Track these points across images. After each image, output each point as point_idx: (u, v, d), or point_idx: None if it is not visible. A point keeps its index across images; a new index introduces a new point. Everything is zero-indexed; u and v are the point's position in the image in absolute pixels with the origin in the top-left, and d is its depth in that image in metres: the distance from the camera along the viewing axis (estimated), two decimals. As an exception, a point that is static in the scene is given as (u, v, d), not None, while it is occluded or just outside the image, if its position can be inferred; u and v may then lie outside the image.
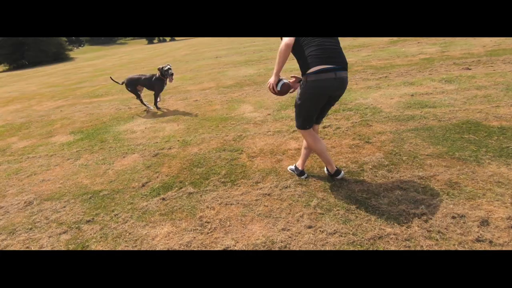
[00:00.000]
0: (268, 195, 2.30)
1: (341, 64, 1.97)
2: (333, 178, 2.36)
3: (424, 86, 4.47)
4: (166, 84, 5.09)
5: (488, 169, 2.24)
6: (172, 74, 4.87)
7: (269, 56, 10.46)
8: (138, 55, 23.09)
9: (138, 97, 5.28)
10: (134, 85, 5.15)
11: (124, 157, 3.41)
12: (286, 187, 2.37)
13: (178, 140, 3.67)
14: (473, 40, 7.82)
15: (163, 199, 2.44)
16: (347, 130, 3.30)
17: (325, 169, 2.43)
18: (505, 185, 2.03)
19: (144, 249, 1.90)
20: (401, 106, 3.77)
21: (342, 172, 2.35)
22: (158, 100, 5.21)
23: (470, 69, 5.10)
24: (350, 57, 7.72)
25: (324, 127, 3.47)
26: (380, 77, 5.33)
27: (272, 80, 2.10)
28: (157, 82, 5.00)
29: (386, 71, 5.70)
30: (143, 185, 2.71)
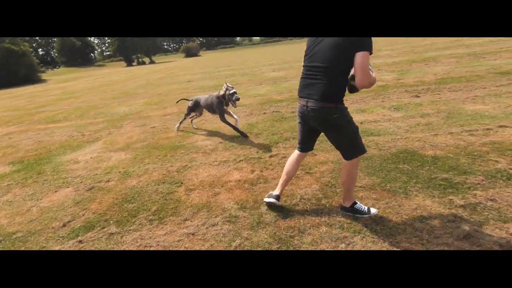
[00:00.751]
0: (193, 234, 2.16)
1: (313, 95, 1.90)
2: (268, 204, 2.33)
3: (374, 114, 4.60)
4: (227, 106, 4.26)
5: (414, 201, 2.24)
6: (237, 99, 3.97)
7: (239, 81, 10.61)
8: (113, 77, 22.83)
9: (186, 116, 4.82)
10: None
11: (56, 191, 3.17)
12: (214, 225, 2.24)
13: (119, 172, 3.49)
14: (427, 68, 8.32)
15: (80, 241, 2.23)
16: (291, 160, 3.27)
17: (274, 192, 2.37)
18: (426, 219, 2.02)
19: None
20: (348, 134, 3.82)
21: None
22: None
23: (419, 96, 5.34)
24: (313, 83, 7.94)
25: (270, 156, 3.43)
26: (336, 104, 5.46)
27: None
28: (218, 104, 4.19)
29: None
30: (64, 225, 2.49)
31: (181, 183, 3.02)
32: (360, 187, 2.53)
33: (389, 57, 12.42)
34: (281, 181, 2.34)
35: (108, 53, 73.10)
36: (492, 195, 2.18)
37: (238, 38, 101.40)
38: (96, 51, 70.93)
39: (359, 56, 1.72)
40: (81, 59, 56.37)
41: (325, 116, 1.91)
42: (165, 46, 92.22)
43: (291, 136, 4.04)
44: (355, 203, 2.18)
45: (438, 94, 5.36)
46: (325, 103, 1.87)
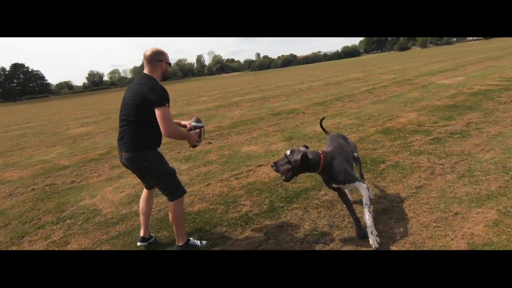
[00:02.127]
0: None
1: (123, 146, 2.09)
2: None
3: (164, 169, 4.47)
4: None
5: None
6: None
7: (26, 144, 8.36)
8: None
9: None
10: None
11: None
12: None
13: None
14: (229, 113, 9.51)
15: None
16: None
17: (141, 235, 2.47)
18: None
19: None
20: (124, 202, 3.41)
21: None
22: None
23: (211, 143, 5.75)
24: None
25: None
26: (131, 162, 5.03)
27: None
28: None
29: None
30: None
31: None
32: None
33: (204, 103, 13.63)
34: (142, 221, 2.43)
35: None
36: (226, 248, 2.27)
37: (53, 86, 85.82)
38: None
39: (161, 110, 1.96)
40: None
41: (134, 164, 2.10)
42: None
43: (52, 219, 3.18)
44: (189, 240, 2.31)
45: (227, 138, 6.00)
46: (130, 154, 2.06)
